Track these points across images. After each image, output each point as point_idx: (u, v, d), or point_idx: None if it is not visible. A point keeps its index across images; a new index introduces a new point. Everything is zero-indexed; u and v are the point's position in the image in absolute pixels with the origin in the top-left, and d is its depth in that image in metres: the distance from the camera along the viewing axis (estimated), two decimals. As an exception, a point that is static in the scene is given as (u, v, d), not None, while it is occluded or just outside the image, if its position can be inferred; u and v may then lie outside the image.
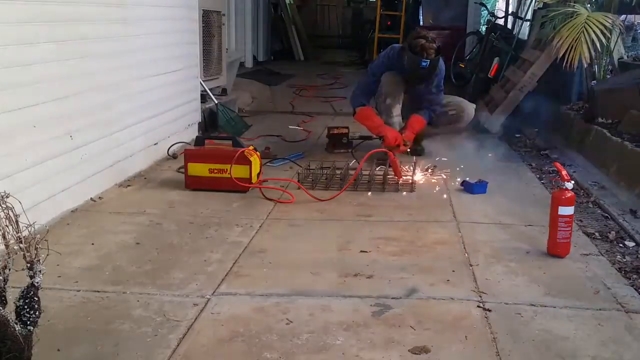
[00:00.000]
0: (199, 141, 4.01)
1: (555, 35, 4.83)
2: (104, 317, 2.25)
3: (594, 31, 4.56)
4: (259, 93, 7.82)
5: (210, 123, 5.65)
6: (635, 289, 2.54)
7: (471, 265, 2.76)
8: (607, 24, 4.60)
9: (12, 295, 1.70)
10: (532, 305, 2.38)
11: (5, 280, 1.67)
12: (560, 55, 4.72)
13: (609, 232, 3.21)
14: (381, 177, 4.01)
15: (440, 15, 10.77)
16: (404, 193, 3.86)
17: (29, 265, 1.69)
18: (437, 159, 4.52)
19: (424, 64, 4.34)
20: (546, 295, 2.48)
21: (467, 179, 3.95)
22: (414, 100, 4.72)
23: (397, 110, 4.65)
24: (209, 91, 5.74)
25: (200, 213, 3.42)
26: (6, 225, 1.65)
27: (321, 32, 15.64)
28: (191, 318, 2.25)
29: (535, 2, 7.06)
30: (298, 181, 3.95)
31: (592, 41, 4.56)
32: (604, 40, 4.63)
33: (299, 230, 3.22)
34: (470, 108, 4.91)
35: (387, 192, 3.89)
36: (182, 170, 3.95)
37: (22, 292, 1.70)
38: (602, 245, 3.05)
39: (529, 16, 7.91)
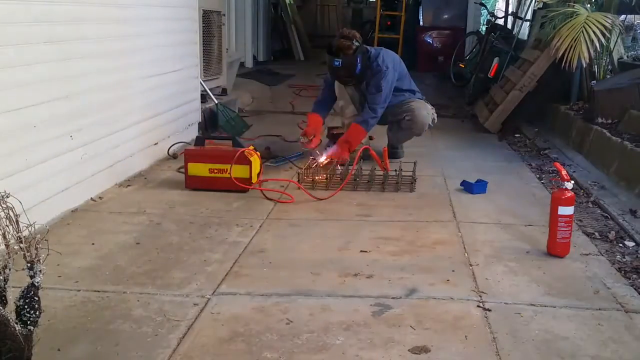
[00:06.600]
0: (199, 141, 4.01)
1: (555, 35, 4.84)
2: (104, 317, 2.25)
3: (593, 31, 4.56)
4: (259, 93, 7.82)
5: (210, 123, 5.65)
6: (635, 289, 2.54)
7: (471, 265, 2.76)
8: (607, 24, 4.61)
9: (13, 295, 1.70)
10: (532, 305, 2.39)
11: (6, 280, 1.67)
12: (560, 55, 4.72)
13: (609, 232, 3.21)
14: (381, 176, 4.01)
15: (440, 15, 10.80)
16: (404, 193, 3.87)
17: (29, 265, 1.69)
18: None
19: (335, 63, 4.29)
20: (546, 295, 2.48)
21: (469, 179, 3.95)
22: (364, 101, 4.58)
23: (350, 110, 4.64)
24: (209, 91, 5.74)
25: (200, 213, 3.43)
26: (6, 225, 1.65)
27: (321, 32, 15.63)
28: (191, 318, 2.25)
29: (535, 2, 7.08)
30: (298, 181, 3.95)
31: (592, 41, 4.56)
32: (603, 40, 4.63)
33: (299, 230, 3.22)
34: (422, 117, 4.52)
35: (387, 192, 3.89)
36: (182, 170, 3.95)
37: (23, 291, 1.70)
38: (602, 245, 3.05)
39: (528, 16, 7.93)
